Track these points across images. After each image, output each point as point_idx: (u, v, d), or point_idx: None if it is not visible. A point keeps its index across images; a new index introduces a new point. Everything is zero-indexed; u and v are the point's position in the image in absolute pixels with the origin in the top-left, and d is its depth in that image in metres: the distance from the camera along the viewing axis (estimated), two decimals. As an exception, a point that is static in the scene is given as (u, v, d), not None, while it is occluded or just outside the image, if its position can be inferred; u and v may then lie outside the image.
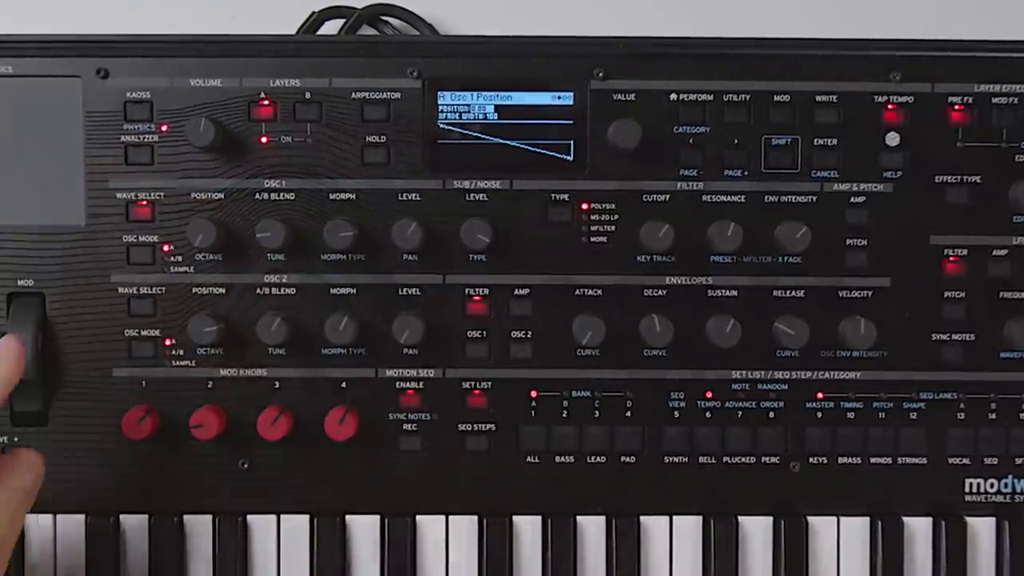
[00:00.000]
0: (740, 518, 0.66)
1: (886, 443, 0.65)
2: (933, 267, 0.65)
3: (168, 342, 0.64)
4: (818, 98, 0.64)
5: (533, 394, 0.65)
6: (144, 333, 0.64)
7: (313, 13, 0.75)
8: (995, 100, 0.64)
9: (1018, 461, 0.66)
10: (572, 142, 0.64)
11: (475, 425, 0.65)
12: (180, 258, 0.64)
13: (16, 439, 0.64)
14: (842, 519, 0.66)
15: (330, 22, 0.75)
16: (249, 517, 0.66)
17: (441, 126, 0.64)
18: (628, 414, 0.65)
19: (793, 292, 0.65)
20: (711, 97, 0.64)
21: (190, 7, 0.76)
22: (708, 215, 0.64)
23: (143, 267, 0.64)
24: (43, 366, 0.63)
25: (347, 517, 0.66)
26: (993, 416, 0.65)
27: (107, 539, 0.65)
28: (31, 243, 0.64)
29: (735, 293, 0.65)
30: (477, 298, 0.65)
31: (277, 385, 0.65)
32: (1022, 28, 0.75)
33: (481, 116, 0.64)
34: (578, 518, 0.66)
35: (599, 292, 0.65)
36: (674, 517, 0.66)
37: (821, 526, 0.66)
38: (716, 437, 0.65)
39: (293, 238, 0.63)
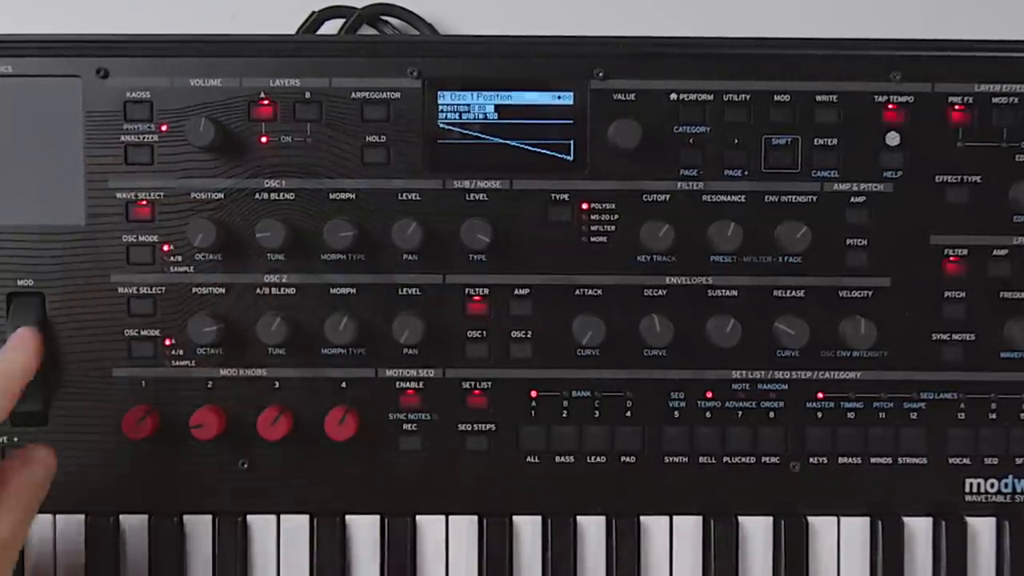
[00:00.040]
0: (740, 518, 0.66)
1: (886, 443, 0.65)
2: (933, 267, 0.65)
3: (168, 342, 0.64)
4: (818, 98, 0.64)
5: (533, 394, 0.65)
6: (144, 333, 0.64)
7: (313, 13, 0.75)
8: (995, 100, 0.64)
9: (1018, 461, 0.66)
10: (572, 142, 0.64)
11: (475, 425, 0.65)
12: (180, 258, 0.64)
13: (16, 439, 0.64)
14: (842, 519, 0.66)
15: (330, 22, 0.75)
16: (249, 517, 0.66)
17: (441, 126, 0.64)
18: (628, 414, 0.65)
19: (793, 292, 0.65)
20: (711, 97, 0.64)
21: (190, 7, 0.76)
22: (708, 215, 0.64)
23: (143, 267, 0.64)
24: (43, 366, 0.63)
25: (347, 517, 0.66)
26: (993, 416, 0.65)
27: (107, 539, 0.65)
28: (31, 243, 0.64)
29: (735, 293, 0.65)
30: (477, 298, 0.65)
31: (277, 385, 0.65)
32: (1022, 28, 0.75)
33: (481, 116, 0.64)
34: (578, 518, 0.66)
35: (599, 292, 0.65)
36: (674, 517, 0.66)
37: (821, 526, 0.66)
38: (716, 437, 0.65)
39: (293, 238, 0.63)
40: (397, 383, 0.65)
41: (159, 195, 0.64)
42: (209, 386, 0.64)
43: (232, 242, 0.64)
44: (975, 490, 0.66)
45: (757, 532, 0.66)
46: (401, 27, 0.76)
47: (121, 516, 0.65)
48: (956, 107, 0.64)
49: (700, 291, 0.65)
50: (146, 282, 0.64)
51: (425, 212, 0.64)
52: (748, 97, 0.64)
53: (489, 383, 0.65)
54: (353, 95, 0.64)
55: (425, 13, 0.75)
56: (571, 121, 0.64)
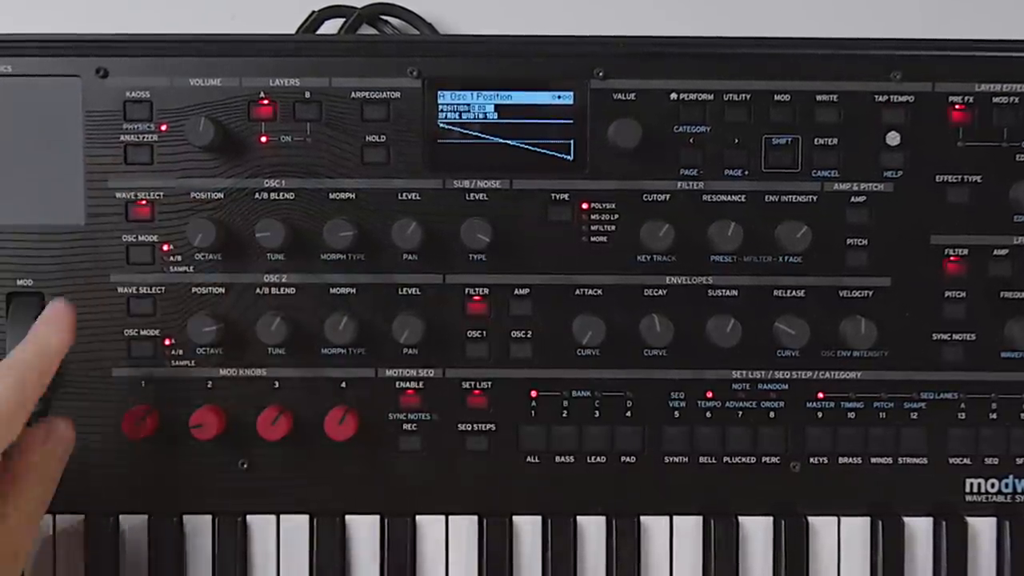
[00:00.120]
0: (740, 518, 0.66)
1: (887, 443, 0.65)
2: (934, 267, 0.65)
3: (168, 342, 0.64)
4: (818, 97, 0.64)
5: (533, 394, 0.65)
6: (143, 333, 0.64)
7: (313, 12, 0.75)
8: (996, 99, 0.64)
9: (1019, 461, 0.66)
10: (572, 142, 0.64)
11: (475, 425, 0.65)
12: (180, 258, 0.64)
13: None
14: (842, 519, 0.66)
15: (330, 21, 0.75)
16: (249, 517, 0.65)
17: (441, 126, 0.64)
18: (628, 414, 0.65)
19: (793, 292, 0.65)
20: (711, 97, 0.64)
21: (190, 7, 0.76)
22: (708, 215, 0.64)
23: (142, 267, 0.64)
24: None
25: (347, 517, 0.66)
26: (994, 416, 0.65)
27: (107, 539, 0.64)
28: (31, 243, 0.64)
29: (735, 293, 0.64)
30: (477, 298, 0.65)
31: (277, 385, 0.65)
32: (1022, 28, 0.75)
33: (481, 116, 0.64)
34: (578, 518, 0.66)
35: (599, 292, 0.64)
36: (674, 517, 0.66)
37: (821, 526, 0.66)
38: (716, 437, 0.65)
39: (293, 238, 0.63)
40: (397, 383, 0.65)
41: (159, 195, 0.64)
42: (209, 386, 0.64)
43: (232, 242, 0.64)
44: (975, 490, 0.66)
45: (757, 532, 0.66)
46: (401, 27, 0.76)
47: (121, 516, 0.65)
48: (956, 107, 0.64)
49: (700, 291, 0.64)
50: (146, 282, 0.64)
51: (425, 212, 0.64)
52: (748, 97, 0.64)
53: (489, 383, 0.65)
54: (353, 95, 0.64)
55: (425, 13, 0.75)
56: (571, 121, 0.64)
